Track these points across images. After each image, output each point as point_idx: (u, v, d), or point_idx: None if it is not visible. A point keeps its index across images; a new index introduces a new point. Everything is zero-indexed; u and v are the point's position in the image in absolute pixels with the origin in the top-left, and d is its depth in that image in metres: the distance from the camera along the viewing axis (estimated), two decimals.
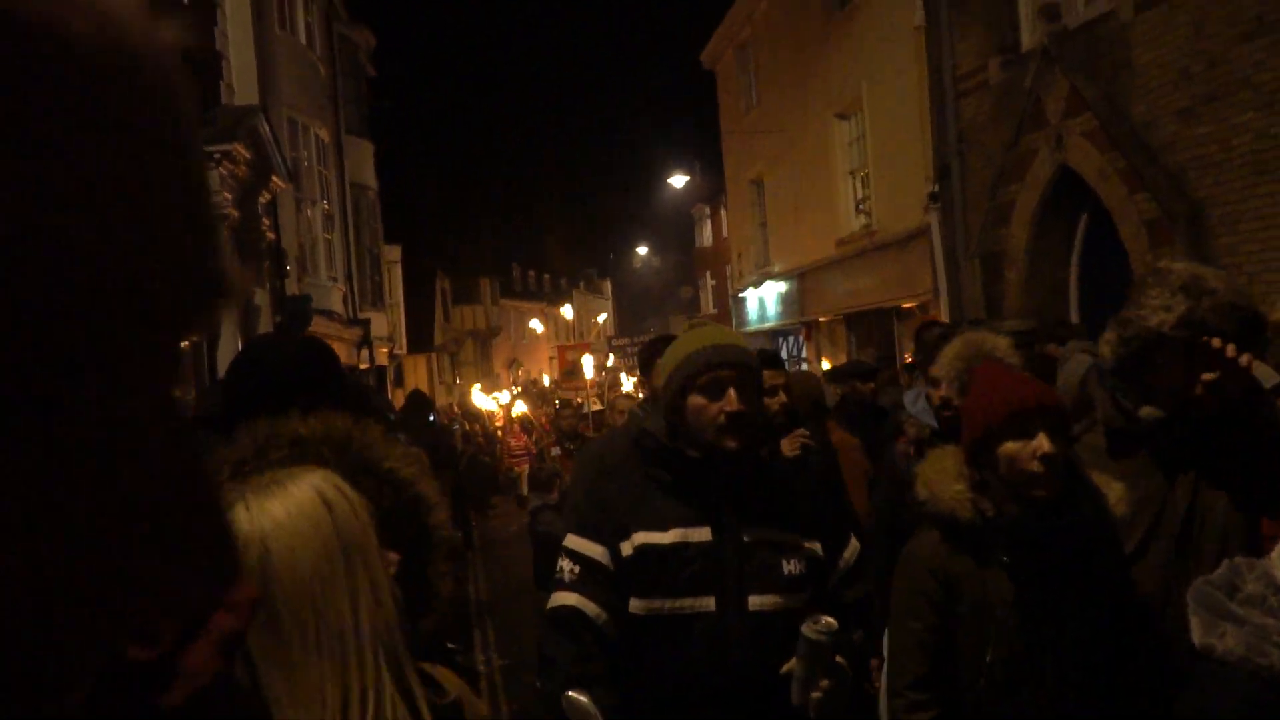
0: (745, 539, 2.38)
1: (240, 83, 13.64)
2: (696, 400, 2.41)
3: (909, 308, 15.25)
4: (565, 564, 2.45)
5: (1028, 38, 11.25)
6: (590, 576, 2.41)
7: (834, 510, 2.73)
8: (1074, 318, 10.76)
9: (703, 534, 2.37)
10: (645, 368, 4.58)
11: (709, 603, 2.34)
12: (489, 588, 12.17)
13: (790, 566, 2.40)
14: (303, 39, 17.99)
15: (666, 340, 4.14)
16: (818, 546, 2.47)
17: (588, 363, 22.07)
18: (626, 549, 2.39)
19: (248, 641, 1.14)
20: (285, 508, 1.20)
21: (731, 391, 2.38)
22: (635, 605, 2.37)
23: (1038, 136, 10.73)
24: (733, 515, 2.41)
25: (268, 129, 12.11)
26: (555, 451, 9.13)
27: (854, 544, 2.60)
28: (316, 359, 2.43)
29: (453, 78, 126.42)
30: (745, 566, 2.36)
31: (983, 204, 12.02)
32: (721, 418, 2.38)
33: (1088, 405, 2.93)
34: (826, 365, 17.06)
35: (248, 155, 11.25)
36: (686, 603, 2.34)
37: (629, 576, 2.38)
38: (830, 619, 2.26)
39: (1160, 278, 2.66)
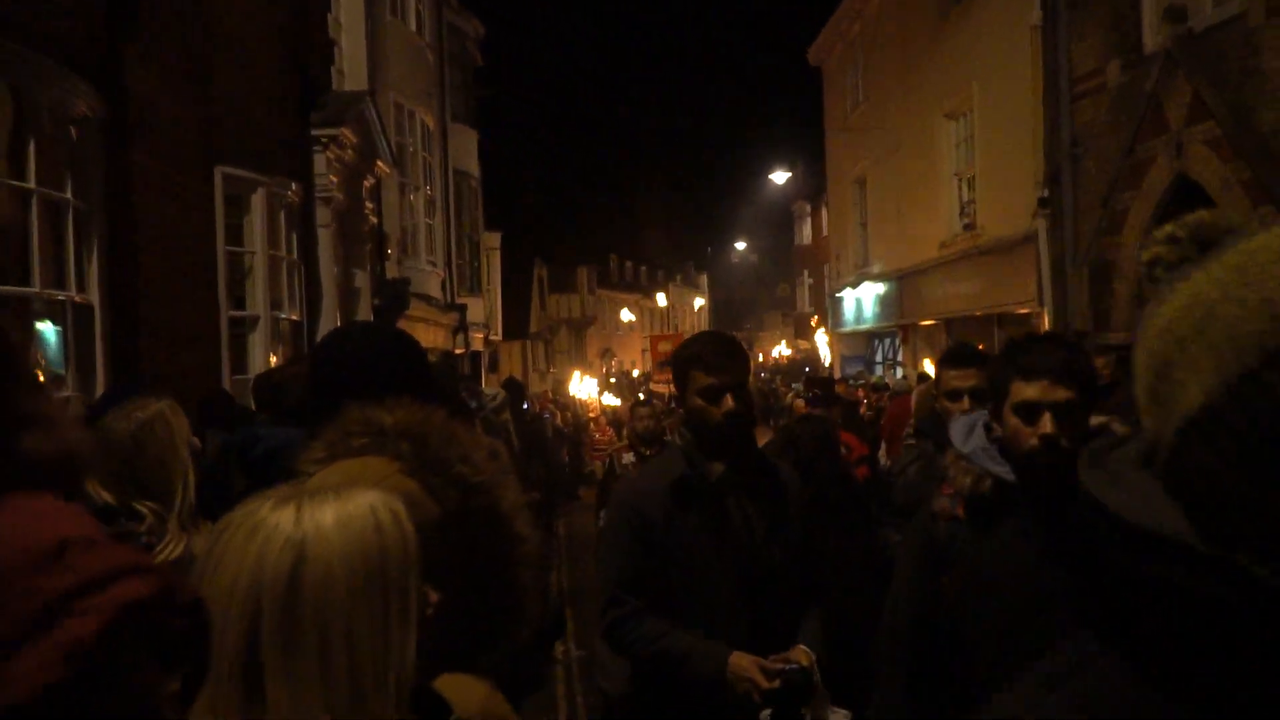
0: None
1: (350, 68, 13.91)
2: None
3: (1022, 314, 14.85)
4: None
5: (1150, 39, 10.80)
6: None
7: None
8: None
9: None
10: (682, 374, 3.08)
11: None
12: (571, 578, 12.23)
13: None
14: (413, 26, 18.27)
15: (716, 340, 3.12)
16: None
17: None
18: None
19: (263, 649, 1.08)
20: (336, 519, 1.14)
21: None
22: None
23: (1156, 143, 10.32)
24: None
25: (375, 114, 12.31)
26: (628, 458, 7.69)
27: None
28: (405, 354, 2.42)
29: (557, 68, 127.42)
30: None
31: (1095, 211, 11.62)
32: None
33: None
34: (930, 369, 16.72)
35: (354, 140, 11.45)
36: None
37: None
38: None
39: None
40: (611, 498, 3.52)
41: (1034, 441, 2.29)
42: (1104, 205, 11.33)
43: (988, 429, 2.52)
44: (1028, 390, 2.31)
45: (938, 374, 4.10)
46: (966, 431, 2.58)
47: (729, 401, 2.95)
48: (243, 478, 2.82)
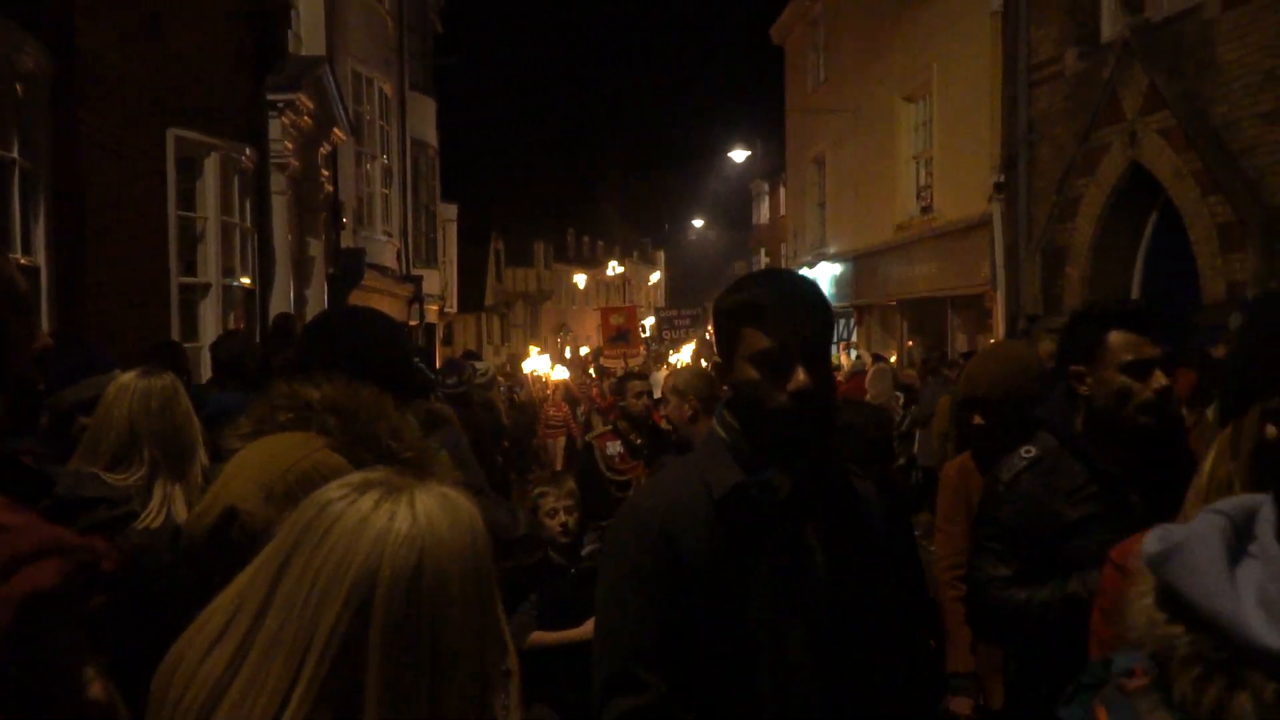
0: None
1: (308, 33, 13.66)
2: None
3: (970, 296, 15.01)
4: None
5: (1108, 28, 10.93)
6: None
7: None
8: None
9: None
10: (728, 329, 1.94)
11: None
12: None
13: None
14: None
15: (780, 281, 1.97)
16: None
17: (648, 323, 21.40)
18: None
19: (368, 666, 0.98)
20: (446, 517, 1.06)
21: None
22: None
23: (1111, 131, 10.45)
24: None
25: (332, 81, 12.11)
26: (614, 448, 5.65)
27: None
28: (390, 337, 2.39)
29: (519, 39, 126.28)
30: None
31: (1049, 197, 11.76)
32: None
33: None
34: (894, 354, 16.86)
35: (311, 106, 11.25)
36: None
37: None
38: None
39: None
40: (619, 515, 2.10)
41: None
42: (1058, 191, 11.47)
43: None
44: None
45: (1100, 340, 2.57)
46: (1223, 555, 0.98)
47: (799, 375, 1.84)
48: None
